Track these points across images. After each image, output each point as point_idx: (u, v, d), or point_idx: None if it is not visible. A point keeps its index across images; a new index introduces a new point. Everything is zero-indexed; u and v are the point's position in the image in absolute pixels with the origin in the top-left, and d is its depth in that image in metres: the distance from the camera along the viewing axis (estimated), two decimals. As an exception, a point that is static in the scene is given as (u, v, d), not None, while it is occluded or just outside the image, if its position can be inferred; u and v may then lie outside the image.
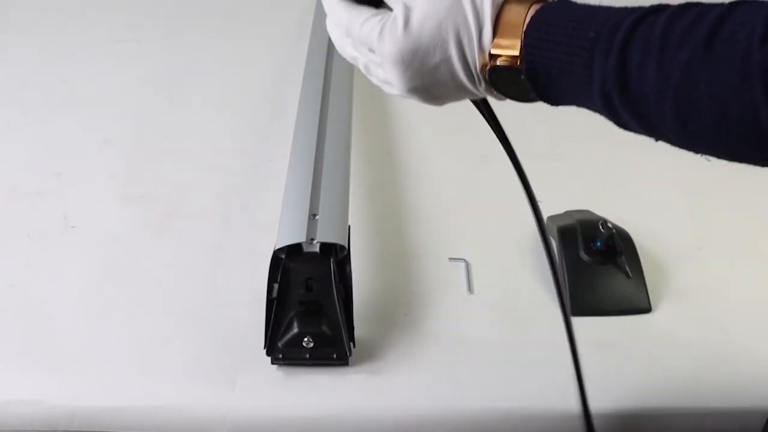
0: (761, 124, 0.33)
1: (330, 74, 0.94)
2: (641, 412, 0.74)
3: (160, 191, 0.94)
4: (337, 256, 0.70)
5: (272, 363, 0.71)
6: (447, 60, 0.43)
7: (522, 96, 0.44)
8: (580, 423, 0.63)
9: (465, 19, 0.42)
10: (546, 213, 0.89)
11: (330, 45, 1.02)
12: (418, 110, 1.05)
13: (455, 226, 0.92)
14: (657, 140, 0.40)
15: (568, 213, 0.87)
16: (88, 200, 0.92)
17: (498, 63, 0.42)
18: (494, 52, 0.42)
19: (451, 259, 0.87)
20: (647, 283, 0.83)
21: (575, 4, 0.41)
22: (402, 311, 0.81)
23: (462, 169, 1.00)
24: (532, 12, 0.41)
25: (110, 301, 0.80)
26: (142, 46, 1.21)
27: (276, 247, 0.70)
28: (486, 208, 0.94)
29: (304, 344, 0.68)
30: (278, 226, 0.74)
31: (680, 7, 0.37)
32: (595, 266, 0.83)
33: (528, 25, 0.41)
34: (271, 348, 0.70)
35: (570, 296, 0.81)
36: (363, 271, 0.74)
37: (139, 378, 0.73)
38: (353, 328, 0.71)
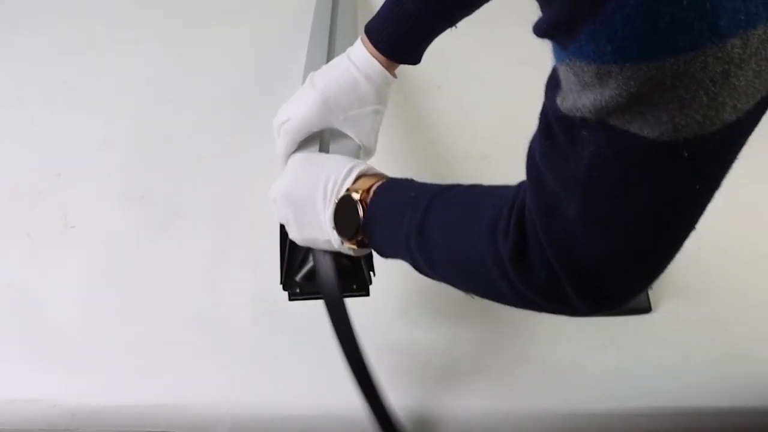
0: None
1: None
2: (641, 412, 0.74)
3: (160, 191, 0.94)
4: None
5: (290, 299, 0.68)
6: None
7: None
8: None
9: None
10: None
11: (330, 43, 1.02)
12: (416, 110, 1.05)
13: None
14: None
15: (568, 213, 0.87)
16: (88, 200, 0.92)
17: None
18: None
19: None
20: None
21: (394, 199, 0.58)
22: (402, 310, 0.81)
23: (462, 169, 1.00)
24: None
25: (110, 300, 0.80)
26: (142, 46, 1.21)
27: None
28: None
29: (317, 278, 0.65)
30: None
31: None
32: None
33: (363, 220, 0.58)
34: (287, 283, 0.67)
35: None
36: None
37: (139, 377, 0.73)
38: (371, 256, 0.67)
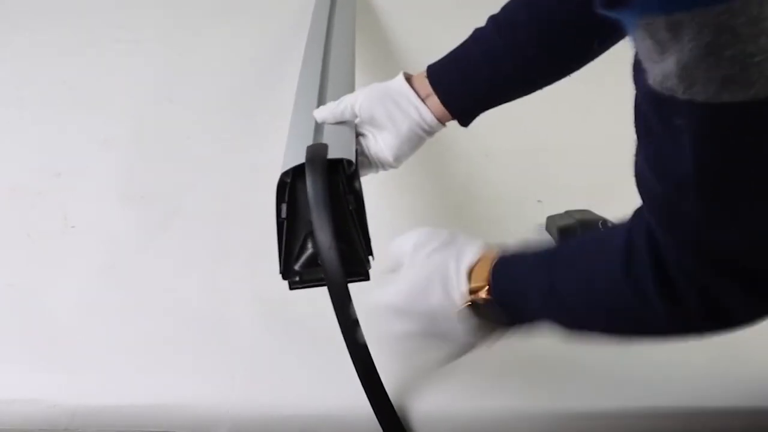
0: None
1: (327, 71, 0.94)
2: (641, 412, 0.74)
3: (160, 191, 0.94)
4: (345, 171, 0.67)
5: (290, 288, 0.67)
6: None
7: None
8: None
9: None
10: (546, 213, 0.90)
11: (327, 42, 1.02)
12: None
13: (455, 225, 0.92)
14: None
15: (568, 213, 0.87)
16: (88, 200, 0.92)
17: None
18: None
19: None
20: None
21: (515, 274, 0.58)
22: (402, 311, 0.81)
23: (463, 167, 1.00)
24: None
25: (110, 300, 0.80)
26: (142, 46, 1.21)
27: (282, 171, 0.68)
28: (487, 207, 0.94)
29: (320, 263, 0.64)
30: (284, 153, 0.73)
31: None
32: (595, 266, 0.83)
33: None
34: (287, 271, 0.66)
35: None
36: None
37: (139, 377, 0.73)
38: (370, 241, 0.67)
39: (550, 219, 0.88)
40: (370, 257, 0.67)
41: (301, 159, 0.67)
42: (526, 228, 0.91)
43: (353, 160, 0.68)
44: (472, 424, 0.73)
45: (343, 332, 0.61)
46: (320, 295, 0.73)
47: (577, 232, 0.83)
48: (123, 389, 0.72)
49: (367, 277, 0.67)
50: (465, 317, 0.58)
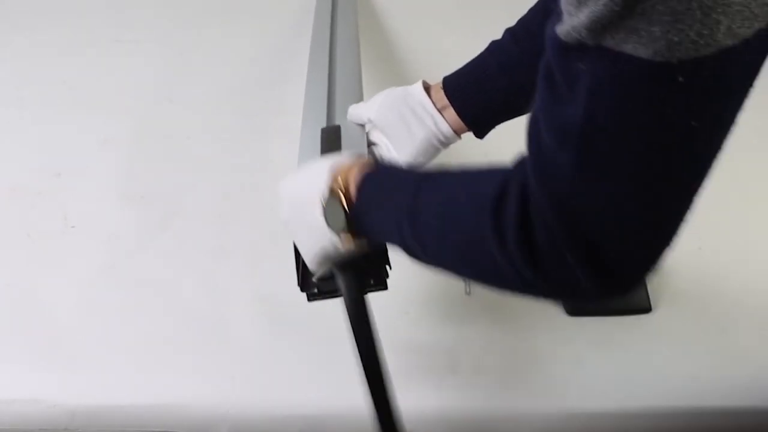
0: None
1: (335, 69, 0.94)
2: (641, 412, 0.74)
3: (160, 191, 0.94)
4: None
5: (309, 300, 0.67)
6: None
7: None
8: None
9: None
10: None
11: (331, 49, 1.01)
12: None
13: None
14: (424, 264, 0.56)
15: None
16: (88, 200, 0.92)
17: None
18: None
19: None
20: (647, 283, 0.83)
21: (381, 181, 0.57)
22: (402, 310, 0.81)
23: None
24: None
25: (110, 300, 0.80)
26: (142, 46, 1.21)
27: None
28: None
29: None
30: (297, 164, 0.73)
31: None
32: (595, 266, 0.83)
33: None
34: (304, 284, 0.66)
35: (570, 296, 0.81)
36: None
37: (139, 377, 0.73)
38: (387, 250, 0.67)
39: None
40: (388, 267, 0.67)
41: None
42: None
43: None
44: (472, 424, 0.73)
45: (358, 346, 0.62)
46: (320, 295, 0.73)
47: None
48: (123, 389, 0.72)
49: (385, 287, 0.67)
50: (325, 213, 0.59)
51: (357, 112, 0.73)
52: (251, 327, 0.78)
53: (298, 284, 0.66)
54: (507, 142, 0.98)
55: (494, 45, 0.70)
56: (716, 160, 0.40)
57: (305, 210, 0.61)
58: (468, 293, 0.83)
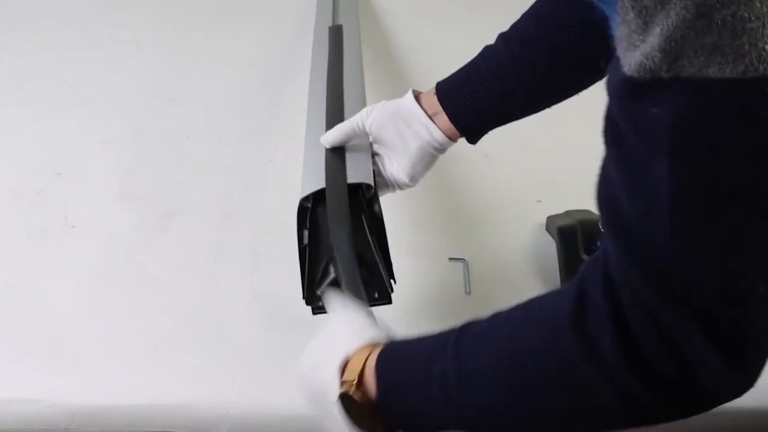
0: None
1: (341, 70, 0.93)
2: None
3: (160, 191, 0.94)
4: (364, 195, 0.68)
5: (313, 313, 0.66)
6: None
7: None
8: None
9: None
10: (546, 213, 0.90)
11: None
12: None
13: (456, 226, 0.92)
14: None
15: (568, 213, 0.87)
16: (88, 200, 0.92)
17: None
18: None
19: (451, 259, 0.87)
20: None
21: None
22: (402, 309, 0.81)
23: (463, 168, 1.00)
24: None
25: (110, 300, 0.80)
26: (142, 46, 1.21)
27: (301, 197, 0.68)
28: (487, 207, 0.94)
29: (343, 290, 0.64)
30: (301, 178, 0.73)
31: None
32: (595, 266, 0.83)
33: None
34: (310, 297, 0.66)
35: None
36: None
37: (139, 377, 0.73)
38: (391, 264, 0.67)
39: (550, 219, 0.88)
40: (392, 281, 0.67)
41: (320, 184, 0.67)
42: (526, 228, 0.91)
43: (372, 183, 0.68)
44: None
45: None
46: (320, 295, 0.73)
47: (577, 232, 0.83)
48: (123, 389, 0.72)
49: (389, 301, 0.67)
50: (341, 413, 0.49)
51: (351, 126, 0.73)
52: (251, 327, 0.77)
53: (303, 297, 0.67)
54: (506, 143, 0.98)
55: (487, 50, 0.70)
56: None
57: (325, 407, 0.52)
58: (468, 293, 0.83)
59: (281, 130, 1.02)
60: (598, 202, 0.38)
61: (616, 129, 0.35)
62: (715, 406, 0.38)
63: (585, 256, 0.82)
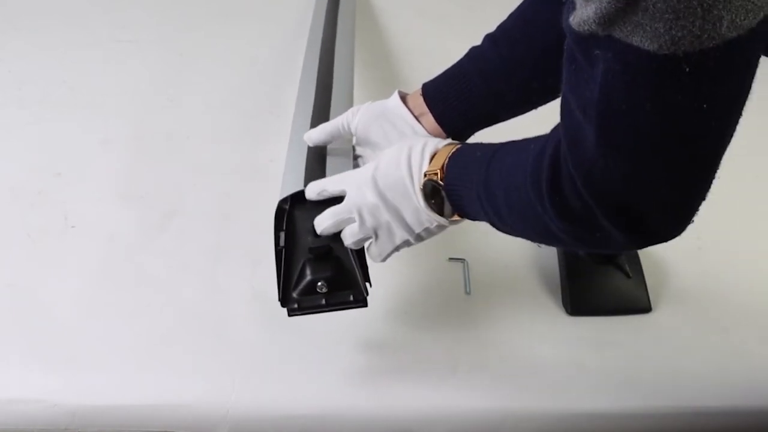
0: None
1: (331, 69, 0.94)
2: (641, 412, 0.74)
3: (160, 191, 0.94)
4: (342, 199, 0.68)
5: (289, 315, 0.67)
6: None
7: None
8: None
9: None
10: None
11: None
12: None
13: (456, 226, 0.92)
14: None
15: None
16: (88, 200, 0.92)
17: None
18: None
19: (451, 259, 0.87)
20: (647, 283, 0.83)
21: (467, 157, 0.60)
22: (402, 310, 0.81)
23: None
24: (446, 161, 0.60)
25: (110, 300, 0.80)
26: (142, 46, 1.21)
27: (280, 199, 0.69)
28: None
29: (318, 290, 0.66)
30: (281, 180, 0.73)
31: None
32: (595, 266, 0.83)
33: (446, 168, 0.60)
34: (285, 299, 0.67)
35: (570, 296, 0.81)
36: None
37: (139, 377, 0.73)
38: (367, 267, 0.68)
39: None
40: (368, 283, 0.68)
41: (299, 186, 0.68)
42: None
43: None
44: (473, 424, 0.73)
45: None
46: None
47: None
48: (123, 389, 0.72)
49: (365, 304, 0.67)
50: (421, 194, 0.61)
51: (335, 126, 0.74)
52: (251, 327, 0.78)
53: (279, 299, 0.67)
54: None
55: (474, 51, 0.70)
56: (734, 128, 0.42)
57: (402, 196, 0.62)
58: (468, 293, 0.83)
59: (281, 130, 1.02)
60: (561, 105, 0.47)
61: (572, 54, 0.43)
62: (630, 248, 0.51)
63: (585, 256, 0.83)
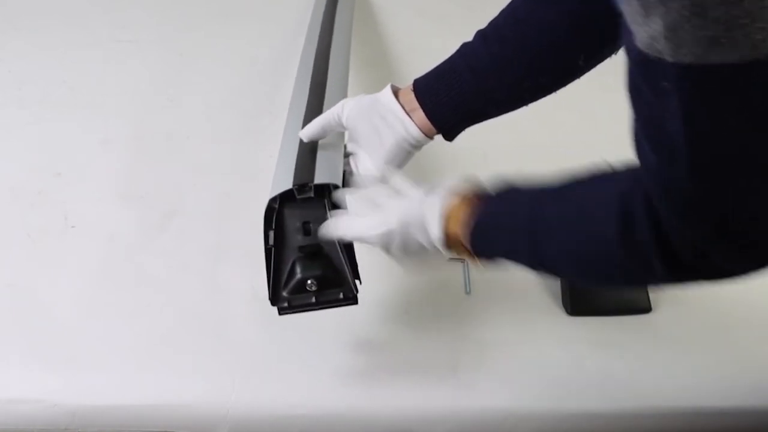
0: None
1: (326, 68, 0.94)
2: (641, 412, 0.74)
3: (160, 191, 0.94)
4: (331, 196, 0.69)
5: (279, 313, 0.67)
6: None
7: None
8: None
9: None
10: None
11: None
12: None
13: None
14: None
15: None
16: (88, 200, 0.92)
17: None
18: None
19: (451, 259, 0.86)
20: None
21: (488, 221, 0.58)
22: (402, 309, 0.81)
23: (462, 168, 0.99)
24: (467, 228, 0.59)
25: (110, 300, 0.80)
26: (142, 46, 1.21)
27: (269, 198, 0.69)
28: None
29: (308, 288, 0.66)
30: (272, 179, 0.73)
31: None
32: (595, 266, 0.83)
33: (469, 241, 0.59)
34: (275, 297, 0.67)
35: (570, 296, 0.81)
36: (362, 271, 0.74)
37: (139, 377, 0.73)
38: (357, 265, 0.69)
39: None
40: (358, 281, 0.68)
41: (288, 185, 0.68)
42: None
43: (339, 184, 0.69)
44: (473, 424, 0.73)
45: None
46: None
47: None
48: (123, 389, 0.72)
49: (355, 301, 0.68)
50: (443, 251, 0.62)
51: (327, 119, 0.73)
52: (251, 327, 0.78)
53: (269, 298, 0.67)
54: (506, 143, 0.98)
55: (465, 47, 0.70)
56: None
57: (418, 232, 0.62)
58: (468, 293, 0.83)
59: (281, 130, 1.02)
60: (634, 146, 0.44)
61: (636, 85, 0.41)
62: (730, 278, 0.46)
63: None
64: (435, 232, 0.60)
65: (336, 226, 0.65)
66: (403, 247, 0.64)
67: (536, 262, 0.56)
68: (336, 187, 0.69)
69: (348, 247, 0.68)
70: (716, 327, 0.81)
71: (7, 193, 0.92)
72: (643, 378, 0.76)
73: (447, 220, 0.60)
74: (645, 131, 0.42)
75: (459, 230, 0.59)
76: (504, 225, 0.58)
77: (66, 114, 1.06)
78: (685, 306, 0.83)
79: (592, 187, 0.53)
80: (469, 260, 0.62)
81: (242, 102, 1.10)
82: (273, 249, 0.67)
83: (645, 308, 0.82)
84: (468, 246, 0.59)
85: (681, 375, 0.76)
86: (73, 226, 0.88)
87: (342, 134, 0.77)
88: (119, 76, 1.14)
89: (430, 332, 0.79)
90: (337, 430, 0.72)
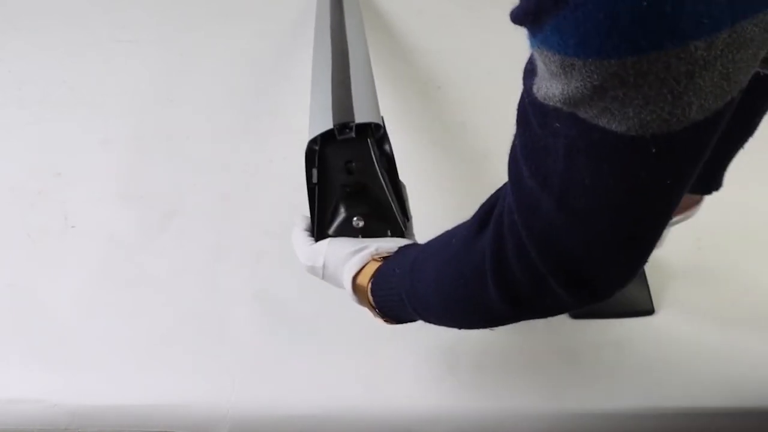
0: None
1: (343, 40, 0.92)
2: (641, 412, 0.74)
3: (159, 191, 0.94)
4: (373, 135, 0.67)
5: None
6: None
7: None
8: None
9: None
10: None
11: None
12: (416, 110, 1.05)
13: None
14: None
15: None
16: (88, 200, 0.92)
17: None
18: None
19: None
20: (649, 284, 0.83)
21: (386, 281, 0.60)
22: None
23: (462, 168, 1.00)
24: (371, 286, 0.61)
25: (110, 300, 0.80)
26: (142, 46, 1.21)
27: (309, 139, 0.67)
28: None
29: (354, 225, 0.65)
30: (309, 120, 0.71)
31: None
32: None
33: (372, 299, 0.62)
34: (320, 236, 0.66)
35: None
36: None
37: (139, 377, 0.73)
38: (404, 201, 0.68)
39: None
40: (406, 218, 0.67)
41: (327, 125, 0.66)
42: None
43: (381, 123, 0.67)
44: (473, 424, 0.73)
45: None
46: (320, 295, 0.73)
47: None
48: (123, 389, 0.72)
49: (402, 236, 0.67)
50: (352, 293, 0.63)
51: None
52: (251, 326, 0.78)
53: (313, 235, 0.67)
54: (506, 143, 0.98)
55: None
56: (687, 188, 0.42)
57: (337, 277, 0.64)
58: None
59: (281, 130, 1.02)
60: (508, 167, 0.46)
61: (526, 116, 0.42)
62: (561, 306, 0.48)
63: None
64: (347, 283, 0.62)
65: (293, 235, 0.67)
66: (332, 282, 0.65)
67: (413, 299, 0.57)
68: (378, 126, 0.67)
69: (394, 183, 0.67)
70: (717, 327, 0.81)
71: (7, 193, 0.92)
72: (643, 378, 0.76)
73: (359, 274, 0.62)
74: (526, 157, 0.43)
75: (366, 284, 0.61)
76: (392, 272, 0.59)
77: (66, 114, 1.06)
78: (687, 307, 0.83)
79: (449, 236, 0.54)
80: (375, 318, 0.63)
81: (242, 102, 1.10)
82: (316, 187, 0.66)
83: (648, 311, 0.82)
84: (371, 299, 0.61)
85: (681, 375, 0.76)
86: (73, 226, 0.88)
87: (369, 65, 0.74)
88: (119, 76, 1.14)
89: (430, 332, 0.79)
90: (337, 430, 0.72)
